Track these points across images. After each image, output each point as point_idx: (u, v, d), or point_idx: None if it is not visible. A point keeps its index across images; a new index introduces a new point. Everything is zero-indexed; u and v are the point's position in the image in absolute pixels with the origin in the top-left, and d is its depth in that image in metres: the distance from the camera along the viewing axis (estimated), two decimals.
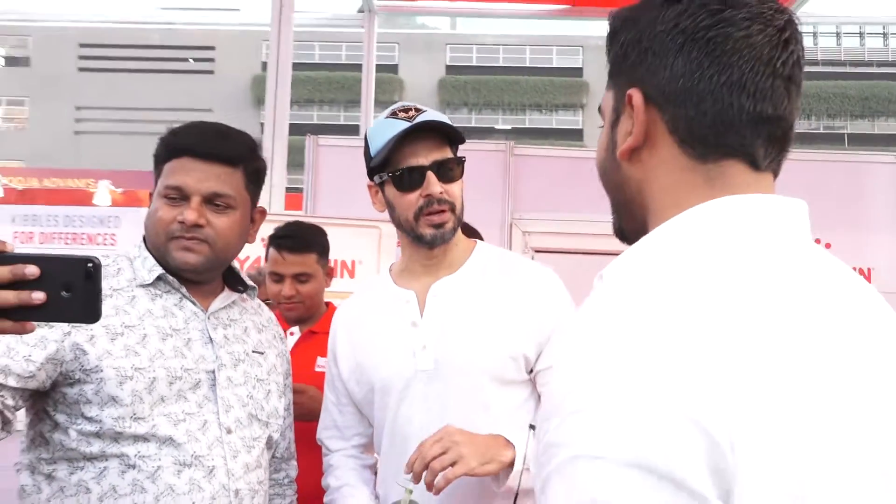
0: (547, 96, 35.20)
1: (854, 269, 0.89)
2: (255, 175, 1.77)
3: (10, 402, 1.50)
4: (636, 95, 0.88)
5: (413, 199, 1.75)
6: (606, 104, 0.96)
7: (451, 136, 1.80)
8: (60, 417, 1.57)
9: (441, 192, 1.74)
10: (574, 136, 33.79)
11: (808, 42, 32.30)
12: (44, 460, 1.59)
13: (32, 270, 1.03)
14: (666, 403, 0.71)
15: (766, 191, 0.87)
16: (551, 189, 4.77)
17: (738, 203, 0.83)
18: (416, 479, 1.59)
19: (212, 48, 33.87)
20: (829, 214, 4.56)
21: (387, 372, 1.81)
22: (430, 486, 1.58)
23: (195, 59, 34.24)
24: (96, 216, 7.42)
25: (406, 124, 1.75)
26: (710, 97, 0.85)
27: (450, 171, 1.77)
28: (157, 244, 1.69)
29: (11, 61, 35.12)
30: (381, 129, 1.78)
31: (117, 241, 7.12)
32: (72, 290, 1.03)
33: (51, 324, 1.54)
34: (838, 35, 36.12)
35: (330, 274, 2.91)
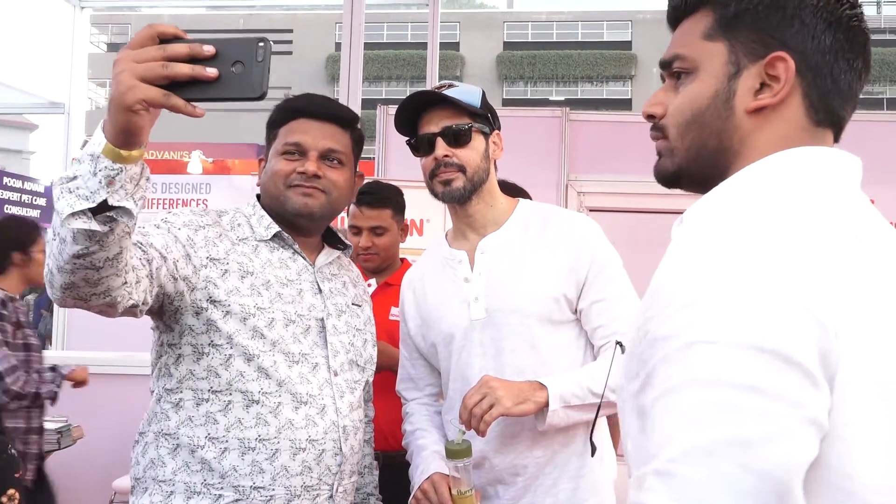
0: (598, 68, 34.50)
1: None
2: (359, 140, 1.81)
3: (161, 278, 1.49)
4: (790, 61, 0.89)
5: (428, 162, 1.82)
6: (712, 55, 0.94)
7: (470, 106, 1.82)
8: (186, 349, 1.60)
9: (447, 156, 1.78)
10: (623, 105, 33.09)
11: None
12: (168, 390, 1.62)
13: (209, 49, 1.03)
14: (781, 292, 0.73)
15: None
16: (604, 152, 4.71)
17: (832, 152, 0.91)
18: (466, 426, 1.65)
19: (290, 31, 33.98)
20: (871, 171, 4.41)
21: (447, 325, 1.86)
22: (475, 430, 1.64)
23: (275, 41, 34.22)
24: (189, 183, 7.54)
25: (419, 99, 1.82)
26: (843, 77, 0.91)
27: (460, 136, 1.79)
28: (275, 194, 1.71)
29: (113, 47, 35.78)
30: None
31: (209, 205, 7.23)
32: (242, 66, 1.03)
33: (194, 251, 1.57)
34: (878, 4, 34.57)
35: (405, 230, 2.94)
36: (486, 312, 1.81)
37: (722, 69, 0.93)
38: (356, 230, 2.82)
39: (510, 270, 1.82)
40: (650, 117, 1.01)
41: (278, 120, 1.76)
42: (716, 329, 0.72)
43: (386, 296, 2.82)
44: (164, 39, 1.06)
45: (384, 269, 2.89)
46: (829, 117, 0.92)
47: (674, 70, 0.98)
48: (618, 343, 1.62)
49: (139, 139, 1.12)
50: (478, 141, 1.82)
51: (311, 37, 33.58)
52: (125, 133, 1.10)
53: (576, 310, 1.82)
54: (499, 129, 1.89)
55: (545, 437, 1.76)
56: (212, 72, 1.02)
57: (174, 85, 1.04)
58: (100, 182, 1.13)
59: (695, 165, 0.96)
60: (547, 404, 1.67)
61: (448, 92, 1.80)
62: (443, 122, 1.79)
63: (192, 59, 1.03)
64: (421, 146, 1.83)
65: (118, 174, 1.12)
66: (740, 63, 0.92)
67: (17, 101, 7.60)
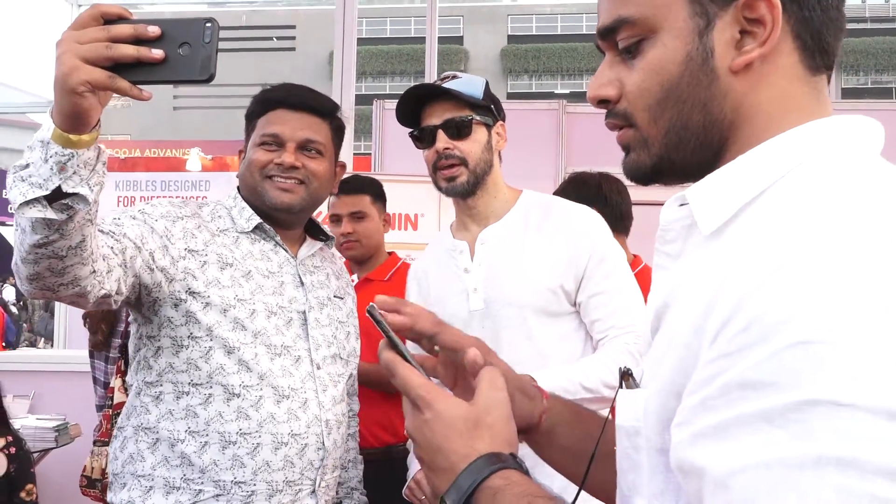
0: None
1: None
2: (339, 130, 1.80)
3: (137, 268, 1.47)
4: None
5: (430, 155, 1.82)
6: (669, 10, 0.74)
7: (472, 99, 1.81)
8: (165, 342, 1.59)
9: (448, 148, 1.79)
10: None
11: (856, 0, 30.82)
12: (148, 383, 1.61)
13: (154, 29, 1.01)
14: None
15: None
16: (600, 143, 4.71)
17: (869, 121, 0.72)
18: None
19: (292, 27, 33.99)
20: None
21: (447, 315, 1.83)
22: None
23: (278, 38, 34.42)
24: (189, 180, 7.55)
25: (420, 92, 1.82)
26: (833, 2, 0.73)
27: (461, 129, 1.79)
28: (252, 185, 1.71)
29: None
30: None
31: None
32: (189, 48, 1.00)
33: (171, 242, 1.56)
34: None
35: (387, 221, 2.95)
36: (485, 303, 1.81)
37: (687, 25, 0.73)
38: (336, 218, 2.86)
39: (509, 261, 1.82)
40: (602, 103, 0.80)
41: (256, 111, 1.75)
42: (851, 385, 0.51)
43: (366, 292, 2.78)
44: (109, 20, 1.03)
45: (367, 261, 2.89)
46: (824, 59, 0.74)
47: (622, 38, 0.78)
48: (626, 373, 1.55)
49: (88, 122, 1.08)
50: (479, 133, 1.83)
51: (313, 33, 33.57)
52: (72, 117, 1.06)
53: (575, 302, 1.81)
54: (503, 119, 1.90)
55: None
56: (157, 53, 1.00)
57: (120, 67, 1.02)
58: (51, 169, 1.09)
59: (678, 152, 0.76)
60: None
61: (450, 84, 1.80)
62: (444, 115, 1.80)
63: (139, 41, 1.01)
64: (423, 138, 1.84)
65: (69, 160, 1.09)
66: (709, 12, 0.72)
67: (17, 100, 7.66)
